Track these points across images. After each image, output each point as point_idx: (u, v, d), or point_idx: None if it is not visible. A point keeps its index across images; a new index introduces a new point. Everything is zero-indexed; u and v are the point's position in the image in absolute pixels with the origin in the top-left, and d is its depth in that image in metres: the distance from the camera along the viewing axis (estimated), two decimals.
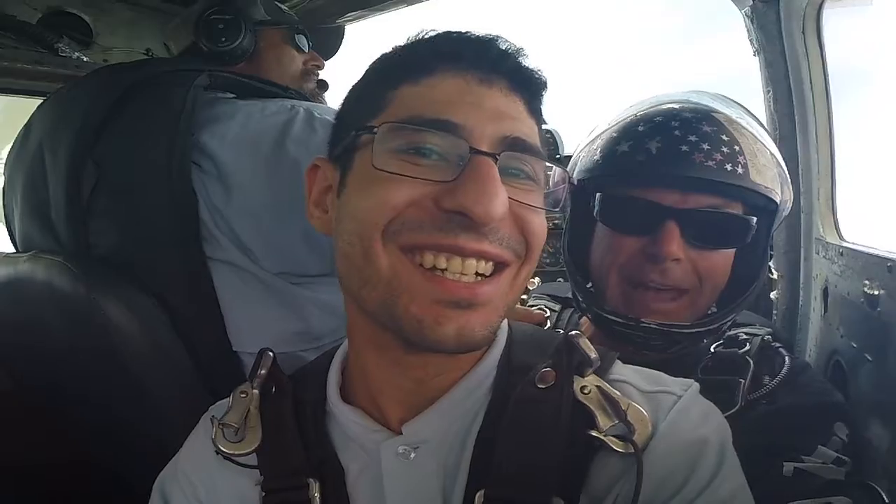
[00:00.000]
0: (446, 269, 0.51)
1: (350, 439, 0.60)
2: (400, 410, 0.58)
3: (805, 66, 1.10)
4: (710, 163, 0.79)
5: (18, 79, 1.44)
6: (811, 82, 1.10)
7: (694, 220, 0.80)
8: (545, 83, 0.59)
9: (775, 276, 1.19)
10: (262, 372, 0.64)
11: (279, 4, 1.31)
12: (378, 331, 0.55)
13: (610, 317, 0.85)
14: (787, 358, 0.83)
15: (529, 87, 0.58)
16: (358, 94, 0.62)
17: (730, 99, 0.91)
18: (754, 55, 1.14)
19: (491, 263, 0.53)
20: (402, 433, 0.57)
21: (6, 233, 1.17)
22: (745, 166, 0.80)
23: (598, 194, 0.87)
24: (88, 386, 0.97)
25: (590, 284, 0.91)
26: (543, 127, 0.61)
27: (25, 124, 1.07)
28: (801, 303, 1.18)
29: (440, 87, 0.54)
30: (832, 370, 1.02)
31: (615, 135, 0.87)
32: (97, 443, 1.11)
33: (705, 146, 0.80)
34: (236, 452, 0.61)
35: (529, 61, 0.58)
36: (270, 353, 0.66)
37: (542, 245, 0.57)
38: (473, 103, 0.53)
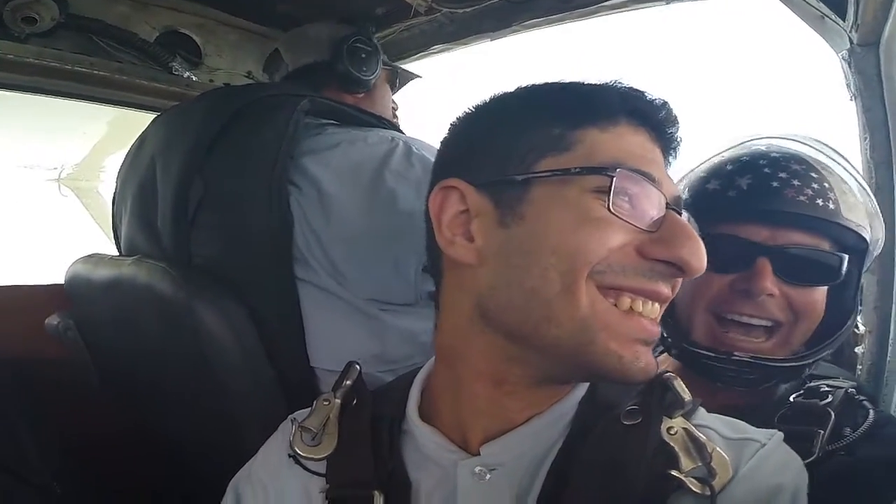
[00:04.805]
0: (641, 312, 0.54)
1: (425, 457, 0.62)
2: (483, 434, 0.60)
3: None
4: (802, 198, 0.79)
5: (134, 93, 1.54)
6: None
7: (785, 256, 0.80)
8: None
9: (861, 330, 1.13)
10: (347, 383, 0.67)
11: None
12: (504, 364, 0.57)
13: (700, 351, 0.84)
14: (871, 411, 0.80)
15: (674, 153, 0.62)
16: (513, 123, 0.60)
17: (818, 140, 0.91)
18: (851, 100, 1.10)
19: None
20: (479, 454, 0.59)
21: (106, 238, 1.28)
22: (836, 202, 0.80)
23: None
24: (176, 385, 1.03)
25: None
26: None
27: (139, 136, 1.15)
28: (889, 359, 1.11)
29: (629, 139, 0.56)
30: None
31: (703, 174, 0.88)
32: (177, 440, 1.17)
33: (796, 182, 0.80)
34: (310, 456, 0.63)
35: (681, 133, 0.61)
36: (357, 367, 0.69)
37: None
38: (655, 160, 0.57)
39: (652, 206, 0.55)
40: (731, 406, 0.81)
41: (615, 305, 0.54)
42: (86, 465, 1.23)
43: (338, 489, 0.62)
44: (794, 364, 0.83)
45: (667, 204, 0.55)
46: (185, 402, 1.04)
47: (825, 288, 0.83)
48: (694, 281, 0.84)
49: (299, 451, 0.64)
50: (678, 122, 0.60)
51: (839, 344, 0.87)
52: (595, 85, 0.60)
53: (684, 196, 0.89)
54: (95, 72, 1.43)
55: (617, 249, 0.53)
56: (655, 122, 0.58)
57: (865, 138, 1.08)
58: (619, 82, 0.60)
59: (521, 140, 0.58)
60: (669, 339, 0.90)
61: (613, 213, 0.53)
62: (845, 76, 1.08)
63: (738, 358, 0.81)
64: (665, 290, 0.55)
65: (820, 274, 0.82)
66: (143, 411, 1.23)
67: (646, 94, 0.59)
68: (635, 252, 0.54)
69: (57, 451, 1.22)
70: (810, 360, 0.83)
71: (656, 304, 0.55)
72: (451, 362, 0.63)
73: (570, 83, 0.61)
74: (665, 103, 0.59)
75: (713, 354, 0.82)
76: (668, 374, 0.58)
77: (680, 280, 0.57)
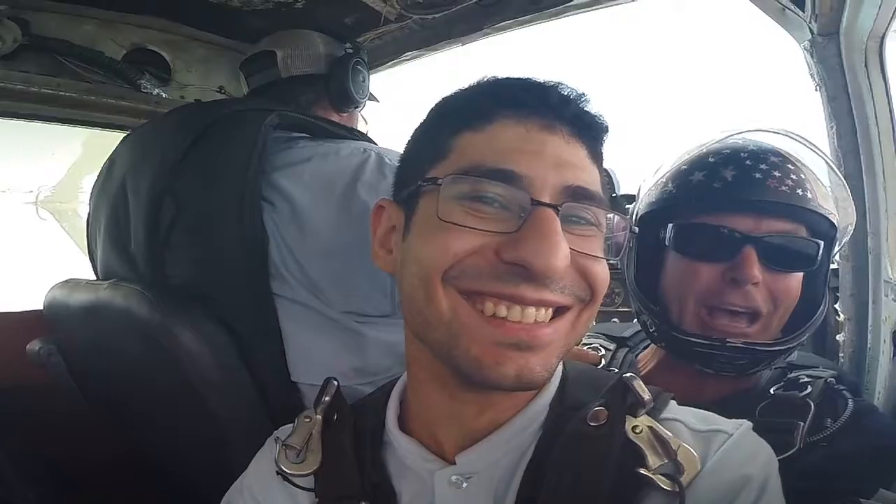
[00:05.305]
0: (506, 317, 0.52)
1: (406, 467, 0.63)
2: (455, 442, 0.60)
3: (869, 101, 1.06)
4: (784, 188, 0.83)
5: (104, 113, 1.52)
6: (876, 117, 1.06)
7: (769, 244, 0.83)
8: (606, 128, 0.60)
9: (842, 318, 1.14)
10: (326, 399, 0.68)
11: None
12: (439, 367, 0.57)
13: (692, 339, 0.85)
14: (850, 401, 0.81)
15: (591, 132, 0.59)
16: (419, 138, 0.64)
17: (790, 132, 0.93)
18: (816, 90, 1.11)
19: (551, 310, 0.54)
20: (455, 463, 0.59)
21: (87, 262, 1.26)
22: (812, 192, 0.84)
23: (669, 224, 0.89)
24: (159, 407, 1.02)
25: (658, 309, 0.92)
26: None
27: (109, 157, 1.13)
28: (869, 346, 1.12)
29: (501, 135, 0.55)
30: None
31: (686, 167, 0.90)
32: (163, 462, 1.16)
33: (776, 173, 0.83)
34: (296, 473, 0.64)
35: (591, 106, 0.59)
36: (335, 382, 0.69)
37: (606, 288, 0.57)
38: (535, 152, 0.54)
39: (511, 205, 0.53)
40: (714, 399, 0.84)
41: (482, 311, 0.52)
42: (72, 489, 1.22)
43: (326, 502, 0.63)
44: (779, 348, 0.85)
45: (534, 200, 0.52)
46: (169, 424, 1.03)
47: (801, 274, 0.86)
48: (682, 271, 0.88)
49: (284, 469, 0.64)
50: (581, 100, 0.58)
51: (816, 327, 0.89)
52: (473, 86, 0.60)
53: (668, 188, 0.90)
54: (63, 93, 1.42)
55: (469, 254, 0.52)
56: (542, 107, 0.56)
57: (832, 127, 1.09)
58: (494, 77, 0.59)
59: (419, 154, 0.61)
60: (654, 331, 0.91)
61: (443, 220, 0.52)
62: (808, 66, 1.09)
63: (731, 344, 0.83)
64: (530, 293, 0.52)
65: (799, 260, 0.85)
66: (128, 435, 1.22)
67: (525, 81, 0.58)
68: (494, 255, 0.52)
69: (42, 477, 1.20)
70: (794, 344, 0.87)
71: (530, 308, 0.52)
72: (410, 370, 0.64)
73: (459, 90, 0.62)
74: (555, 85, 0.57)
75: (706, 342, 0.84)
76: (628, 374, 0.58)
77: (562, 282, 0.53)
